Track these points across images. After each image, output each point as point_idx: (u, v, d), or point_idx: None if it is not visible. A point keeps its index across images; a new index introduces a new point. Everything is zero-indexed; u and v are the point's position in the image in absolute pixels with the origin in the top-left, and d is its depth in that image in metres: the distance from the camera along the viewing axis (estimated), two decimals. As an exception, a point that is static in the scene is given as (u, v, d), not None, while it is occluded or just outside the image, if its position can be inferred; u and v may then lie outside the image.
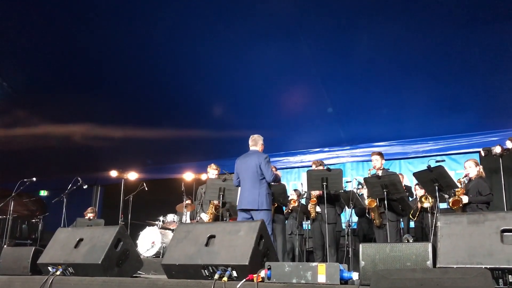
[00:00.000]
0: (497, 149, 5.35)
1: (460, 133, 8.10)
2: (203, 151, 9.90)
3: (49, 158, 10.76)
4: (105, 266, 3.53)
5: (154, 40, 6.98)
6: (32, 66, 7.98)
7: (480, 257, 2.53)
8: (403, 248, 2.76)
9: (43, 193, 12.80)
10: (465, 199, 5.30)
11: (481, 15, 5.76)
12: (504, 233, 2.57)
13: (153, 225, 7.66)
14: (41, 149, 10.16)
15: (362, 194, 6.43)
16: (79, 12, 6.54)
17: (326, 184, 5.69)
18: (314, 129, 8.75)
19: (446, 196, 5.62)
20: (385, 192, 5.47)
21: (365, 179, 5.91)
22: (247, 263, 2.98)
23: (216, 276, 2.98)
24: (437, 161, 5.51)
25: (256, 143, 5.62)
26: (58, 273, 3.65)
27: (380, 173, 5.89)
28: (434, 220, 5.67)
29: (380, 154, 6.12)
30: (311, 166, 6.64)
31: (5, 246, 6.38)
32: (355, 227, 7.50)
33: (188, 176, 9.29)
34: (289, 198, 6.73)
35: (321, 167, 6.35)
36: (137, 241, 7.18)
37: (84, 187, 7.54)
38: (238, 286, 2.81)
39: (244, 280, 2.88)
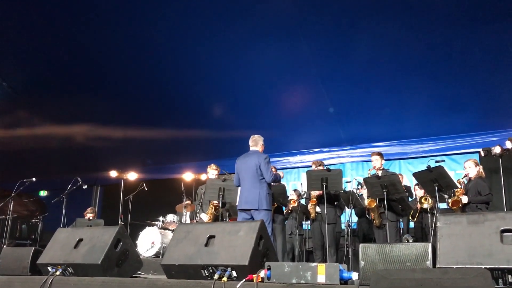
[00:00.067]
0: (497, 149, 5.34)
1: (460, 133, 8.09)
2: (203, 151, 9.90)
3: (48, 158, 10.76)
4: (105, 266, 3.53)
5: (154, 40, 6.98)
6: (32, 66, 7.98)
7: (480, 257, 2.53)
8: (403, 248, 2.76)
9: (43, 193, 12.78)
10: (464, 199, 5.30)
11: (481, 15, 5.76)
12: (504, 233, 2.57)
13: (152, 225, 7.66)
14: (40, 149, 10.14)
15: (362, 194, 6.43)
16: (79, 12, 6.53)
17: (326, 184, 5.70)
18: (314, 129, 8.75)
19: (446, 196, 5.61)
20: (384, 192, 5.48)
21: (365, 179, 5.92)
22: (246, 263, 2.98)
23: (216, 276, 2.99)
24: (437, 161, 5.51)
25: (256, 143, 5.63)
26: (57, 273, 3.66)
27: (380, 173, 5.90)
28: (434, 220, 5.67)
29: (380, 154, 6.13)
30: (311, 166, 6.65)
31: (4, 246, 6.39)
32: (355, 227, 7.50)
33: (188, 176, 9.28)
34: (289, 198, 6.72)
35: (321, 167, 6.35)
36: (137, 241, 7.17)
37: (84, 187, 7.54)
38: (237, 286, 2.81)
39: (244, 280, 2.88)
